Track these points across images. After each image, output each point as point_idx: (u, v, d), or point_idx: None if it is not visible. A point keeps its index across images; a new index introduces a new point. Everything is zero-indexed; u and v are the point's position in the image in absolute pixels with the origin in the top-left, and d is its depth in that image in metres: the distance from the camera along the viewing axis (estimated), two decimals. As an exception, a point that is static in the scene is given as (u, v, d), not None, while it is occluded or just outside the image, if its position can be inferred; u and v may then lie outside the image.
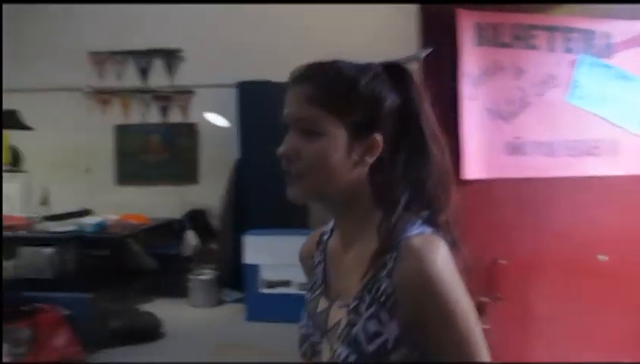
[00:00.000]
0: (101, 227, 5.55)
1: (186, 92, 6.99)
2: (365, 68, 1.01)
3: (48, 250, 5.06)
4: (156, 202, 6.66)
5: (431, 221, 0.97)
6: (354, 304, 0.96)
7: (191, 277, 5.97)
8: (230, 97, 6.35)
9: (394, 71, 1.03)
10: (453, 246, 0.96)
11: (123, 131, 7.14)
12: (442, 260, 0.90)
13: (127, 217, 6.03)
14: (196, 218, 6.53)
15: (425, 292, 0.88)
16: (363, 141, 0.98)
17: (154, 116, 7.06)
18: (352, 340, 0.93)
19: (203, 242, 6.35)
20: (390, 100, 1.00)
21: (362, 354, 0.92)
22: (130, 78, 7.04)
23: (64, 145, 6.74)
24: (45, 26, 6.84)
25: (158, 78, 6.99)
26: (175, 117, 7.03)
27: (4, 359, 3.74)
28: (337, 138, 0.97)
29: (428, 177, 0.99)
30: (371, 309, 0.93)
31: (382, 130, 0.98)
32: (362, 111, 0.98)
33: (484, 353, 0.92)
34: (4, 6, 5.57)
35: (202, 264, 6.15)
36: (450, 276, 0.90)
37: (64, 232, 5.37)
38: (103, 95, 7.07)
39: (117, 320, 4.79)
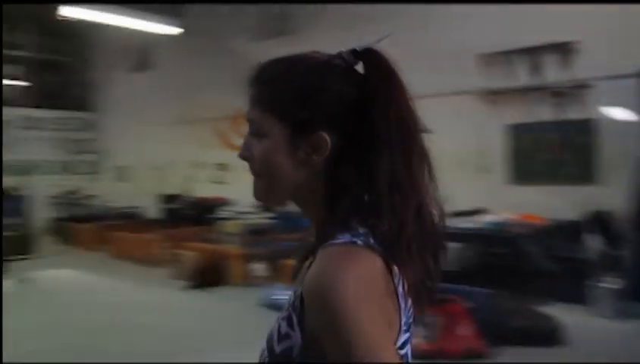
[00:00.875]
0: (502, 226, 5.62)
1: (582, 87, 6.58)
2: (315, 63, 0.95)
3: (456, 245, 5.34)
4: (551, 203, 6.43)
5: (375, 233, 0.86)
6: (288, 304, 0.92)
7: (594, 284, 5.55)
8: (633, 88, 5.72)
9: (367, 58, 0.94)
10: (400, 263, 0.85)
11: (516, 130, 7.12)
12: (354, 275, 0.80)
13: (525, 217, 5.98)
14: (600, 221, 6.06)
15: (320, 303, 0.79)
16: (308, 140, 0.92)
17: (547, 113, 6.86)
18: (269, 339, 0.91)
19: (608, 247, 5.84)
20: (343, 95, 0.92)
21: (272, 353, 0.89)
22: (519, 76, 6.98)
23: (459, 146, 7.05)
24: (432, 30, 7.29)
25: (551, 74, 6.77)
26: (571, 113, 6.69)
27: (418, 340, 4.07)
28: (280, 138, 0.93)
29: (378, 184, 0.88)
30: (287, 311, 0.89)
31: (332, 128, 0.92)
32: (303, 110, 0.92)
33: None
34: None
35: (606, 271, 5.66)
36: (357, 294, 0.79)
37: (470, 229, 5.60)
38: (493, 96, 7.17)
39: (517, 318, 4.75)
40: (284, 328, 0.89)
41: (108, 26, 9.39)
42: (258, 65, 0.99)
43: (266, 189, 0.98)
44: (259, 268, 7.09)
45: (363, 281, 0.81)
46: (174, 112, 11.09)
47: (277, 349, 0.89)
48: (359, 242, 0.85)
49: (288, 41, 8.66)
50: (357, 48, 0.95)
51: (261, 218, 8.17)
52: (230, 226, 7.83)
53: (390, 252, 0.86)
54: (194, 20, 9.85)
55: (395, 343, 0.87)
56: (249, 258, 7.24)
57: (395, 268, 0.86)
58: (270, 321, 0.97)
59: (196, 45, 10.19)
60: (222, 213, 8.95)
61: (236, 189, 7.91)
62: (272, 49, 1.17)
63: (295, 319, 0.88)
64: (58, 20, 9.03)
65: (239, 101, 1.06)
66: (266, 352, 0.92)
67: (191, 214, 9.72)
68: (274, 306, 5.17)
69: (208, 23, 10.03)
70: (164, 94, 11.28)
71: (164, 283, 7.59)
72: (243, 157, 0.99)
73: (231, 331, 5.44)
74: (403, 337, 0.90)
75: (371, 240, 0.85)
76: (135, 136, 12.06)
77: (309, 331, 0.85)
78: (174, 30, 9.66)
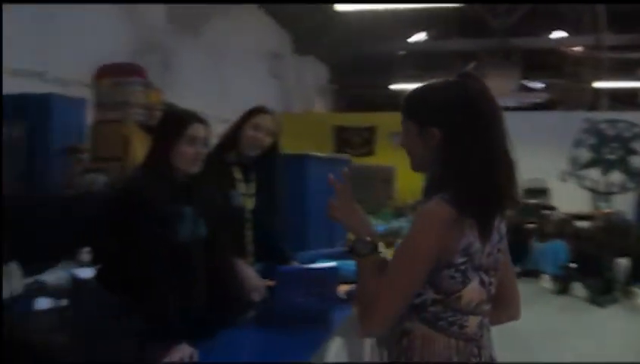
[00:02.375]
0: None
1: None
2: (434, 85, 1.51)
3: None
4: None
5: (456, 201, 1.34)
6: None
7: None
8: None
9: (465, 80, 1.46)
10: (477, 222, 1.37)
11: None
12: (431, 217, 1.36)
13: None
14: None
15: (414, 220, 1.42)
16: (426, 133, 1.45)
17: None
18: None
19: None
20: (448, 104, 1.43)
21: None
22: None
23: None
24: None
25: None
26: None
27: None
28: (411, 132, 1.49)
29: (464, 168, 1.38)
30: None
31: (441, 127, 1.42)
32: (423, 114, 1.46)
33: (389, 296, 1.37)
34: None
35: None
36: (424, 228, 1.37)
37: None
38: None
39: None
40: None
41: None
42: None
43: (412, 164, 1.52)
44: None
45: (435, 223, 1.35)
46: None
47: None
48: (444, 199, 1.35)
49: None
50: (461, 74, 1.48)
51: None
52: None
53: (463, 208, 1.34)
54: None
55: (450, 259, 1.36)
56: None
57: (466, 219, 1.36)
58: None
59: None
60: None
61: None
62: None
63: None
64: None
65: None
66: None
67: None
68: None
69: None
70: None
71: None
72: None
73: None
74: (462, 259, 1.37)
75: (451, 197, 1.35)
76: None
77: None
78: None
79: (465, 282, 1.38)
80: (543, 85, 14.89)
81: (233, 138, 2.61)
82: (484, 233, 1.38)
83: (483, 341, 1.45)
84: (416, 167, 1.51)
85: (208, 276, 2.27)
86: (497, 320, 1.54)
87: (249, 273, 2.47)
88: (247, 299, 2.40)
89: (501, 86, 11.64)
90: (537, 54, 12.90)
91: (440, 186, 1.39)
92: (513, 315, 1.62)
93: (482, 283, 1.41)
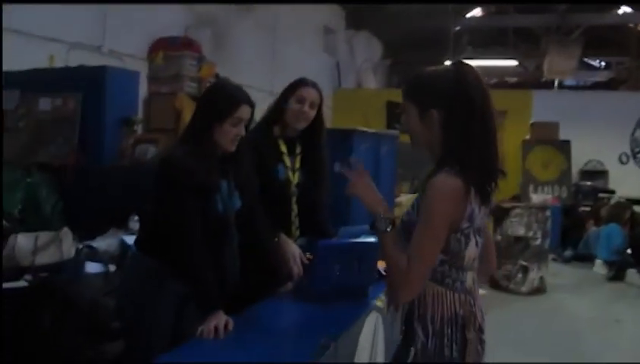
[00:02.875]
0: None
1: None
2: (431, 71, 1.70)
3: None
4: None
5: (462, 173, 1.55)
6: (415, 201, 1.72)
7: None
8: None
9: (459, 67, 1.64)
10: (478, 191, 1.58)
11: None
12: (445, 188, 1.55)
13: None
14: None
15: (427, 194, 1.58)
16: (426, 115, 1.64)
17: None
18: (403, 214, 1.72)
19: None
20: (445, 88, 1.61)
21: (402, 221, 1.69)
22: None
23: None
24: None
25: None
26: None
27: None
28: (412, 114, 1.67)
29: (463, 146, 1.57)
30: (414, 203, 1.70)
31: (440, 108, 1.61)
32: (423, 97, 1.65)
33: (419, 263, 1.55)
34: None
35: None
36: (441, 197, 1.56)
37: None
38: None
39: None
40: (410, 209, 1.68)
41: None
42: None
43: (412, 143, 1.72)
44: None
45: (449, 192, 1.55)
46: None
47: (405, 219, 1.68)
48: (452, 171, 1.56)
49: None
50: (454, 62, 1.68)
51: None
52: None
53: (468, 178, 1.56)
54: None
55: (458, 226, 1.59)
56: None
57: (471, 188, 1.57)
58: None
59: None
60: None
61: None
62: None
63: (416, 206, 1.65)
64: None
65: None
66: (400, 221, 1.68)
67: None
68: None
69: None
70: None
71: None
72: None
73: None
74: (466, 224, 1.60)
75: (458, 170, 1.55)
76: None
77: (420, 211, 1.60)
78: None
79: (466, 243, 1.62)
80: (605, 63, 14.30)
81: (278, 111, 2.61)
82: (484, 201, 1.62)
83: (475, 293, 1.70)
84: (417, 145, 1.71)
85: (246, 248, 2.35)
86: (478, 273, 1.74)
87: (290, 247, 2.48)
88: (286, 272, 2.41)
89: (561, 65, 11.24)
90: (599, 31, 12.36)
91: (443, 162, 1.60)
92: (490, 270, 1.92)
93: (476, 243, 1.66)
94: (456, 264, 1.63)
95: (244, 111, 2.17)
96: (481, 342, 1.69)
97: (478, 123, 1.58)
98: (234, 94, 2.21)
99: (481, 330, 1.69)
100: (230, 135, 2.15)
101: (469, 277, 1.67)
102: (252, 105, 2.22)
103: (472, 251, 1.64)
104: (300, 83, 2.61)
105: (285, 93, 2.61)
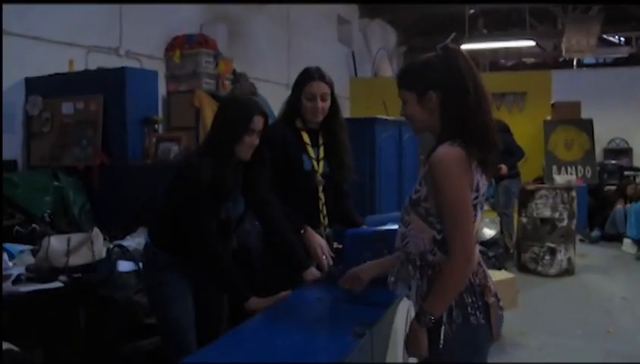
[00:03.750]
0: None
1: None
2: (422, 58, 1.81)
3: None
4: None
5: (463, 145, 1.66)
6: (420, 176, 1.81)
7: None
8: None
9: (447, 50, 1.76)
10: (480, 162, 1.69)
11: None
12: (449, 160, 1.65)
13: None
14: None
15: (435, 169, 1.66)
16: (424, 98, 1.76)
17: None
18: (410, 193, 1.80)
19: None
20: (439, 71, 1.74)
21: (410, 199, 1.78)
22: None
23: None
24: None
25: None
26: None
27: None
28: (411, 101, 1.79)
29: (462, 119, 1.69)
30: (420, 177, 1.77)
31: (437, 90, 1.73)
32: (420, 83, 1.77)
33: (461, 239, 1.63)
34: None
35: None
36: (450, 171, 1.64)
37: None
38: None
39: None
40: (417, 186, 1.76)
41: None
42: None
43: (414, 130, 1.88)
44: None
45: (455, 159, 1.64)
46: None
47: (414, 197, 1.76)
48: (455, 144, 1.66)
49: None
50: (442, 46, 1.78)
51: None
52: None
53: (470, 150, 1.65)
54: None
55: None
56: None
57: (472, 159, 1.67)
58: None
59: None
60: None
61: None
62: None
63: (423, 181, 1.73)
64: None
65: None
66: (407, 199, 1.80)
67: None
68: None
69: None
70: None
71: None
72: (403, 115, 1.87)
73: None
74: (474, 194, 1.69)
75: (459, 143, 1.66)
76: None
77: (430, 186, 1.70)
78: None
79: (474, 214, 1.70)
80: (624, 39, 14.05)
81: (295, 106, 2.62)
82: (487, 170, 1.73)
83: (482, 262, 1.80)
84: (418, 130, 1.85)
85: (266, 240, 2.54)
86: None
87: (315, 239, 2.51)
88: (308, 266, 2.43)
89: (580, 44, 11.06)
90: (618, 6, 12.14)
91: (443, 137, 1.71)
92: None
93: (481, 215, 1.77)
94: None
95: (257, 122, 2.31)
96: (500, 307, 1.80)
97: (472, 99, 1.68)
98: (247, 107, 2.37)
99: (496, 296, 1.78)
100: (246, 146, 2.31)
101: (475, 248, 1.75)
102: (264, 115, 2.36)
103: (477, 222, 1.74)
104: (306, 79, 2.58)
105: (295, 90, 2.62)
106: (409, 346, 1.75)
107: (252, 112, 2.31)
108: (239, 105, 2.44)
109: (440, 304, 1.68)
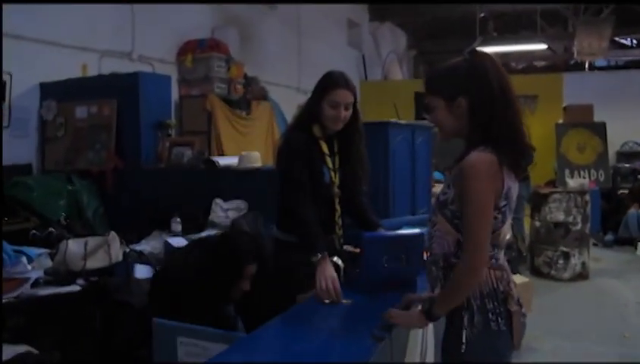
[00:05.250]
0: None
1: None
2: (449, 63, 1.80)
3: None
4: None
5: (495, 151, 1.66)
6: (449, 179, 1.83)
7: None
8: None
9: (474, 55, 1.77)
10: (512, 167, 1.69)
11: None
12: (479, 165, 1.65)
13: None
14: None
15: (464, 173, 1.66)
16: (454, 104, 1.75)
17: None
18: (438, 194, 1.83)
19: None
20: (467, 76, 1.73)
21: (437, 200, 1.79)
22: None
23: None
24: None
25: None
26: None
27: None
28: (440, 106, 1.78)
29: (491, 123, 1.68)
30: (449, 181, 1.78)
31: (466, 95, 1.72)
32: (449, 89, 1.75)
33: (476, 245, 1.64)
34: None
35: None
36: (479, 176, 1.64)
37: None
38: None
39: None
40: (446, 189, 1.77)
41: None
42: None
43: (441, 134, 1.85)
44: None
45: (485, 167, 1.64)
46: None
47: (442, 198, 1.76)
48: (486, 150, 1.66)
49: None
50: (469, 51, 1.79)
51: None
52: None
53: (501, 155, 1.65)
54: None
55: (496, 203, 1.66)
56: None
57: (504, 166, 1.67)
58: None
59: None
60: None
61: None
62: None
63: (451, 184, 1.73)
64: None
65: None
66: (435, 200, 1.81)
67: None
68: None
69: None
70: None
71: None
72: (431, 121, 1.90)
73: None
74: (504, 202, 1.69)
75: (491, 149, 1.66)
76: None
77: (457, 190, 1.70)
78: None
79: (503, 221, 1.71)
80: (637, 41, 13.96)
81: (314, 112, 2.50)
82: (519, 173, 1.72)
83: (507, 269, 1.78)
84: (447, 136, 1.82)
85: None
86: None
87: (324, 272, 2.25)
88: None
89: (592, 46, 10.99)
90: (630, 8, 12.06)
91: (474, 143, 1.70)
92: None
93: (510, 222, 1.76)
94: (492, 241, 1.68)
95: (252, 269, 2.40)
96: (523, 315, 1.78)
97: (501, 103, 1.68)
98: (238, 258, 2.39)
99: (520, 303, 1.76)
100: (238, 290, 2.39)
101: (501, 254, 1.76)
102: (257, 259, 2.45)
103: (506, 229, 1.74)
104: (331, 86, 2.46)
105: (317, 95, 2.49)
106: (399, 317, 1.85)
107: (243, 262, 2.36)
108: (232, 255, 2.40)
109: (443, 305, 1.72)
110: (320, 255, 2.27)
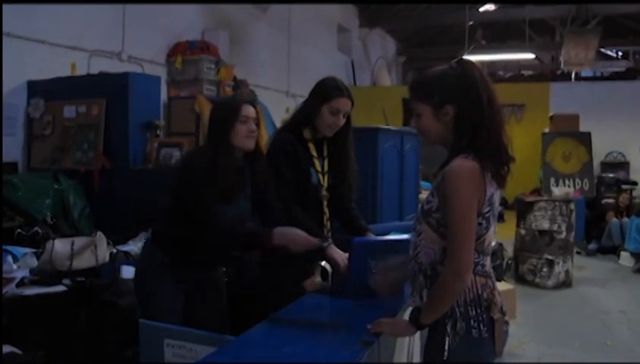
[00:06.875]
0: None
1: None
2: (437, 71, 1.80)
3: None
4: None
5: (477, 158, 1.67)
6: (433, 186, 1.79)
7: None
8: None
9: (463, 63, 1.77)
10: (493, 175, 1.70)
11: None
12: (463, 171, 1.66)
13: None
14: None
15: (449, 180, 1.67)
16: (441, 111, 1.75)
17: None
18: (422, 203, 1.81)
19: None
20: (454, 84, 1.73)
21: (422, 209, 1.78)
22: None
23: None
24: None
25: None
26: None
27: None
28: (426, 113, 1.78)
29: (476, 132, 1.69)
30: (433, 189, 1.76)
31: (454, 103, 1.73)
32: (436, 96, 1.75)
33: (461, 251, 1.64)
34: None
35: None
36: (462, 182, 1.65)
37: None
38: None
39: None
40: (430, 197, 1.75)
41: None
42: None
43: (425, 142, 1.88)
44: None
45: (468, 173, 1.65)
46: None
47: (426, 207, 1.76)
48: (469, 157, 1.67)
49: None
50: (457, 60, 1.78)
51: None
52: None
53: (483, 163, 1.66)
54: None
55: (479, 209, 1.67)
56: None
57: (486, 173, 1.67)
58: None
59: None
60: None
61: None
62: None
63: (435, 192, 1.73)
64: None
65: None
66: (419, 210, 1.80)
67: None
68: None
69: None
70: None
71: None
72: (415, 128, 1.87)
73: None
74: (487, 208, 1.69)
75: (474, 156, 1.66)
76: None
77: (441, 197, 1.70)
78: None
79: (487, 227, 1.71)
80: (622, 53, 14.15)
81: (310, 116, 2.53)
82: (500, 182, 1.72)
83: (492, 276, 1.78)
84: (431, 143, 1.84)
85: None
86: None
87: (336, 254, 2.40)
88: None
89: (578, 57, 11.13)
90: (616, 20, 12.22)
91: (457, 150, 1.71)
92: None
93: (494, 228, 1.75)
94: (477, 248, 1.69)
95: (246, 110, 2.33)
96: (506, 323, 1.79)
97: (488, 113, 1.70)
98: (234, 99, 2.52)
99: (503, 311, 1.76)
100: (241, 134, 2.31)
101: (487, 260, 1.76)
102: (253, 104, 2.39)
103: (491, 235, 1.74)
104: (335, 94, 2.50)
105: (317, 100, 2.51)
106: (387, 325, 1.87)
107: (239, 102, 2.37)
108: (226, 99, 2.49)
109: (430, 313, 1.71)
110: (330, 241, 2.40)
